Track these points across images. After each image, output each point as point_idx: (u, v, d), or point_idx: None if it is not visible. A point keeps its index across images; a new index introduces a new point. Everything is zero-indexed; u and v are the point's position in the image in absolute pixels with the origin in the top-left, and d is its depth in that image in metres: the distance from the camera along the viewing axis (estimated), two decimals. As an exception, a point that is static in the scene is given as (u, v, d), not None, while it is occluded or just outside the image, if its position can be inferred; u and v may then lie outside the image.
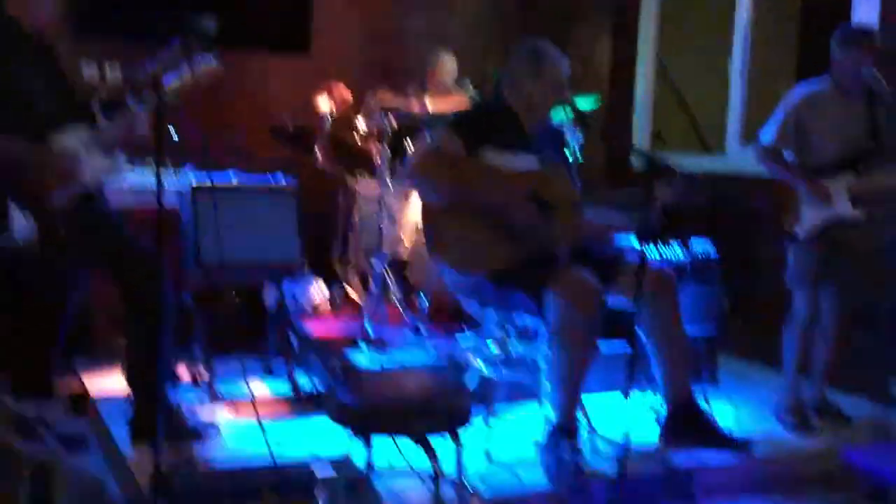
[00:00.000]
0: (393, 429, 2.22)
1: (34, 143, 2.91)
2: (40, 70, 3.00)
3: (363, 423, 2.21)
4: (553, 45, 3.21)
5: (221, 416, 3.32)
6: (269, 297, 4.20)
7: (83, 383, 3.72)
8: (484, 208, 3.01)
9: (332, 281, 4.51)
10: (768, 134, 3.59)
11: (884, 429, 3.16)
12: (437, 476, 2.22)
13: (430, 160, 3.04)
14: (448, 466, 2.31)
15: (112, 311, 3.88)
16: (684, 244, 3.90)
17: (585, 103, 4.53)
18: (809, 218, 3.50)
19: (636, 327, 2.95)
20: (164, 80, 2.46)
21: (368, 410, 2.20)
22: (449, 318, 4.17)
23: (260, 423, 2.95)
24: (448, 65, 4.84)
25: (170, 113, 3.07)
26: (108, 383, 3.68)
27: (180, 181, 3.95)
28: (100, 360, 3.99)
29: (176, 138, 3.45)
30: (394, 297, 4.09)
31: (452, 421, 2.23)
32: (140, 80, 4.33)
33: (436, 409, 2.21)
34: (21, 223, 4.05)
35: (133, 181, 4.02)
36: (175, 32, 2.64)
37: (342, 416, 2.24)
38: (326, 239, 4.44)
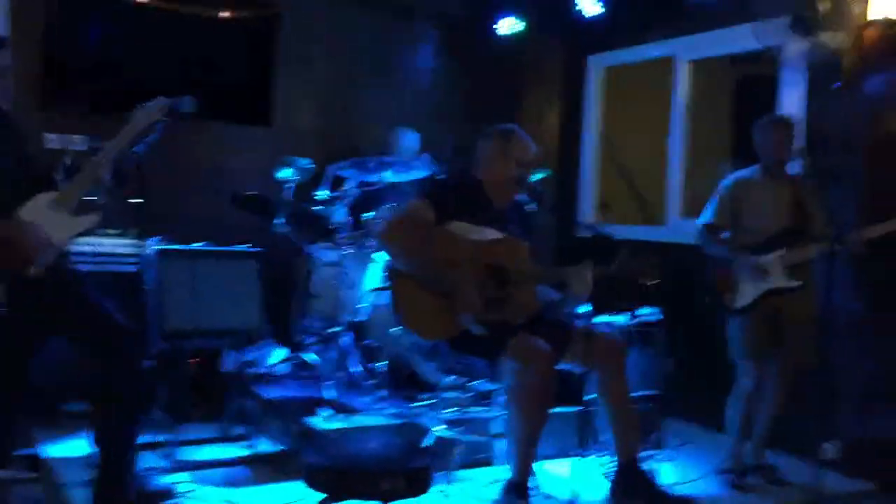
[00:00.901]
0: (361, 489, 2.31)
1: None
2: (6, 148, 3.09)
3: (332, 485, 2.30)
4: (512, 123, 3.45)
5: (182, 481, 3.36)
6: (228, 361, 4.27)
7: (35, 447, 3.72)
8: (445, 278, 3.17)
9: (290, 345, 4.58)
10: (706, 216, 3.89)
11: (816, 490, 3.35)
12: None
13: (401, 226, 3.20)
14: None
15: (71, 376, 3.92)
16: (631, 311, 4.11)
17: (536, 176, 4.77)
18: (746, 291, 3.74)
19: (586, 391, 3.11)
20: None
21: (337, 472, 2.29)
22: (406, 382, 4.28)
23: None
24: (408, 138, 5.05)
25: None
26: (64, 447, 3.70)
27: (147, 248, 4.05)
28: (52, 423, 4.01)
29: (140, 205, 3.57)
30: (351, 362, 4.19)
31: (416, 482, 2.34)
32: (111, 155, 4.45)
33: (401, 469, 2.32)
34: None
35: (95, 246, 4.10)
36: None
37: (312, 479, 2.34)
38: (285, 304, 4.53)
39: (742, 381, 3.81)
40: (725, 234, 3.86)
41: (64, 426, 3.90)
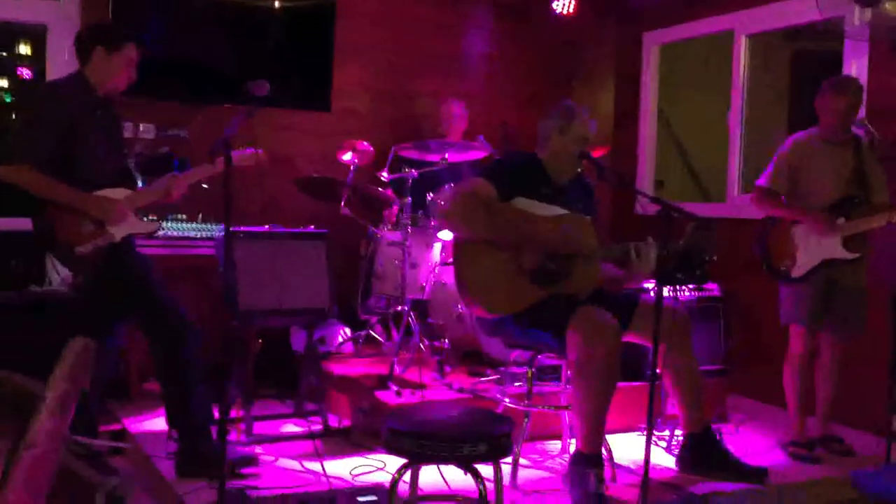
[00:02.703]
0: (442, 454, 2.39)
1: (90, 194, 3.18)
2: (104, 133, 3.26)
3: (414, 450, 2.39)
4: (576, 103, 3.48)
5: (261, 453, 3.48)
6: (297, 340, 4.39)
7: (121, 422, 3.89)
8: (509, 249, 3.22)
9: (355, 324, 4.70)
10: (764, 178, 3.86)
11: (885, 462, 3.34)
12: (483, 502, 2.39)
13: (465, 201, 3.26)
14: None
15: (144, 357, 4.09)
16: (697, 285, 4.13)
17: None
18: (804, 259, 3.73)
19: (653, 364, 3.13)
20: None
21: (419, 436, 2.37)
22: (469, 358, 4.36)
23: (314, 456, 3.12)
24: (458, 112, 5.11)
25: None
26: (145, 423, 3.86)
27: (217, 232, 4.19)
28: (134, 402, 4.19)
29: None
30: (416, 339, 4.27)
31: (497, 447, 2.41)
32: (172, 139, 4.61)
33: (482, 434, 2.39)
34: (57, 276, 4.30)
35: (168, 231, 4.26)
36: (234, 98, 2.86)
37: (393, 444, 2.42)
38: (350, 284, 4.64)
39: (794, 347, 3.81)
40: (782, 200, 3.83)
41: (144, 404, 4.08)
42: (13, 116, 5.40)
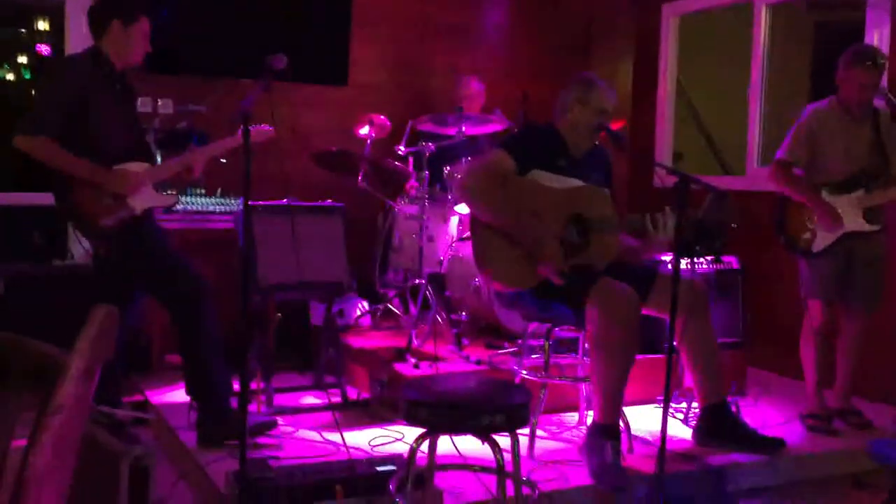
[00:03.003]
0: (461, 424, 2.41)
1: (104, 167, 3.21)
2: (121, 106, 3.29)
3: (432, 420, 2.41)
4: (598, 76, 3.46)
5: (281, 424, 3.52)
6: (316, 313, 4.42)
7: (143, 394, 3.95)
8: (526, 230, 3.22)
9: (373, 298, 4.72)
10: (782, 150, 3.81)
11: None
12: (501, 472, 2.41)
13: (481, 176, 3.26)
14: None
15: (166, 330, 4.13)
16: (715, 258, 4.11)
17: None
18: (824, 234, 3.70)
19: (670, 337, 3.14)
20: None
21: (437, 406, 2.39)
22: (486, 331, 4.37)
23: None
24: (476, 89, 5.09)
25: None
26: (167, 395, 3.92)
27: (235, 206, 4.21)
28: (156, 374, 4.25)
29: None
30: (434, 312, 4.29)
31: (515, 417, 2.43)
32: (191, 114, 4.62)
33: (500, 405, 2.41)
34: (80, 249, 4.33)
35: (187, 206, 4.29)
36: (253, 73, 2.86)
37: (412, 414, 2.44)
38: (368, 257, 4.66)
39: (812, 319, 3.79)
40: (799, 172, 3.77)
41: (166, 376, 4.14)
42: (33, 93, 5.44)
